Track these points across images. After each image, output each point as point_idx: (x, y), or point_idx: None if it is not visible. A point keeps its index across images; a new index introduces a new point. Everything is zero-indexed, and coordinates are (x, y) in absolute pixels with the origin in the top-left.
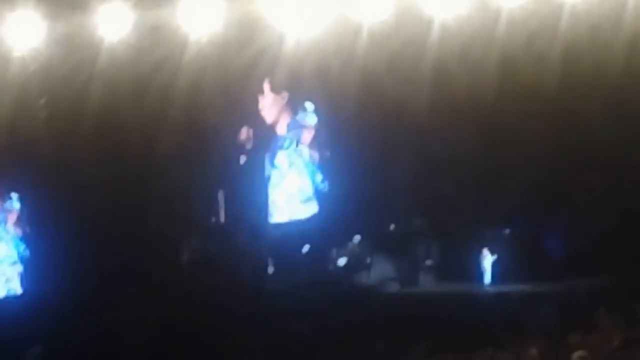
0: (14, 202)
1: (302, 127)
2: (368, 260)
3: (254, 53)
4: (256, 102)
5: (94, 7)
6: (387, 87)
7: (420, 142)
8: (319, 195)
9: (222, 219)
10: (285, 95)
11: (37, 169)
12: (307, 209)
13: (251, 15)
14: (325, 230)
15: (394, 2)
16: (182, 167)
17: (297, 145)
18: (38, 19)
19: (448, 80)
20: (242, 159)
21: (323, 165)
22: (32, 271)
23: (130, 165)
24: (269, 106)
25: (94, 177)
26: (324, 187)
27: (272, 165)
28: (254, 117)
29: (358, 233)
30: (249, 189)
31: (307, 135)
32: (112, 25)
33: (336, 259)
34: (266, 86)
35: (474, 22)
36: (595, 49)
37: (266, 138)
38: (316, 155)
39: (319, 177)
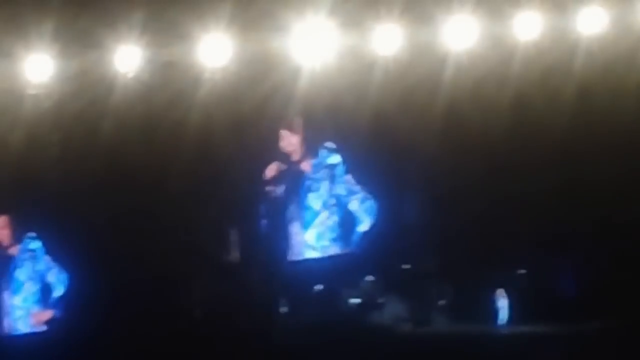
0: (34, 241)
1: (328, 166)
2: (381, 300)
3: (267, 89)
4: (272, 138)
5: (107, 45)
6: (400, 124)
7: (434, 181)
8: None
9: (236, 257)
10: (306, 133)
11: (49, 205)
12: (334, 248)
13: (264, 52)
14: (339, 270)
15: (408, 37)
16: (196, 204)
17: (332, 184)
18: (51, 57)
19: (461, 117)
20: (259, 195)
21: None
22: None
23: (143, 202)
24: (291, 145)
25: (105, 213)
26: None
27: (299, 200)
28: (270, 154)
29: (371, 272)
30: (265, 226)
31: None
32: (125, 62)
33: (349, 299)
34: (287, 125)
35: (488, 58)
36: (610, 87)
37: (288, 176)
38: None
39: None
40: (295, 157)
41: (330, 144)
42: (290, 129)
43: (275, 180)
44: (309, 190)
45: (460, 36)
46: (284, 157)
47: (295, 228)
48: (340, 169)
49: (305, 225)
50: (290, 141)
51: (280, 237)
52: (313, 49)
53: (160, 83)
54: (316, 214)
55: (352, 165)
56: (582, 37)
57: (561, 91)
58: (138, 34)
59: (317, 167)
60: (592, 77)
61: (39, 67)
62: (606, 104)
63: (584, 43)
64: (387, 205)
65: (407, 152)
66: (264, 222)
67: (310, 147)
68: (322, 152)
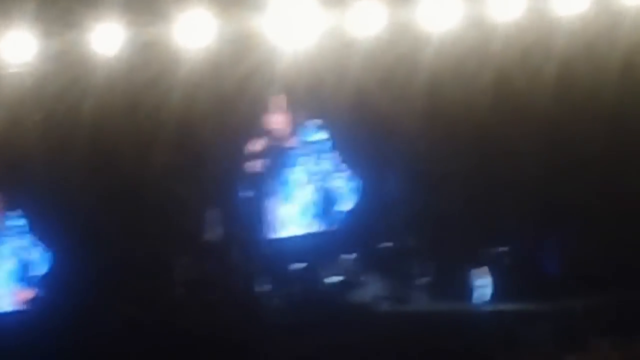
0: (17, 219)
1: (314, 142)
2: (362, 278)
3: (248, 68)
4: (254, 117)
5: (88, 24)
6: (381, 104)
7: (415, 159)
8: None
9: (219, 235)
10: (291, 111)
11: (32, 184)
12: (317, 224)
13: (245, 32)
14: (319, 248)
15: (388, 17)
16: (177, 182)
17: (317, 160)
18: (33, 36)
19: (442, 96)
20: (241, 174)
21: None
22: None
23: (124, 181)
24: (278, 123)
25: (88, 193)
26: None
27: (282, 178)
28: (251, 132)
29: (353, 251)
30: (247, 205)
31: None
32: (106, 42)
33: (331, 276)
34: (274, 103)
35: (468, 37)
36: (590, 65)
37: (274, 152)
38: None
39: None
40: (282, 134)
41: (317, 121)
42: (277, 107)
43: (260, 155)
44: (294, 164)
45: (441, 16)
46: (270, 135)
47: (278, 204)
48: (326, 146)
49: (287, 199)
50: (277, 119)
51: (262, 215)
52: (294, 28)
53: (141, 62)
54: (300, 188)
55: (338, 143)
56: (562, 16)
57: (542, 70)
58: (119, 13)
59: (303, 144)
60: (572, 55)
61: (20, 46)
62: (587, 82)
63: (564, 22)
64: (369, 183)
65: (389, 131)
66: (246, 200)
67: (297, 125)
68: (309, 129)
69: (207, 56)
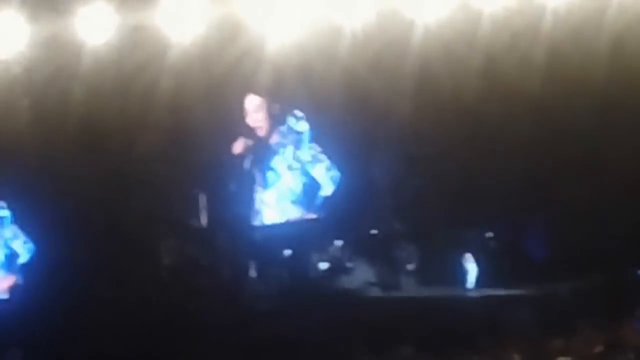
0: (2, 210)
1: (296, 133)
2: (349, 264)
3: (236, 55)
4: (240, 105)
5: (77, 10)
6: (370, 90)
7: (403, 146)
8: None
9: (204, 220)
10: (271, 100)
11: (20, 171)
12: (295, 211)
13: (233, 18)
14: (307, 234)
15: (377, 4)
16: (165, 168)
17: (297, 150)
18: (21, 22)
19: (431, 82)
20: (227, 161)
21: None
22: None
23: (113, 167)
24: (256, 112)
25: (77, 179)
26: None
27: (264, 168)
28: (237, 120)
29: (340, 237)
30: (232, 191)
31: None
32: (95, 28)
33: (318, 263)
34: (253, 92)
35: (456, 24)
36: (577, 50)
37: (253, 142)
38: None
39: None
40: (262, 132)
41: (298, 112)
42: (254, 105)
43: (243, 155)
44: (274, 153)
45: (430, 1)
46: (251, 132)
47: (260, 192)
48: (306, 136)
49: (267, 186)
50: (256, 117)
51: (247, 202)
52: (281, 15)
53: (130, 48)
54: (279, 176)
55: (319, 134)
56: (549, 1)
57: (531, 55)
58: None
59: (284, 134)
60: (560, 40)
61: (8, 33)
62: (575, 67)
63: (552, 7)
64: (355, 170)
65: (377, 116)
66: (231, 187)
67: (277, 119)
68: (290, 120)
69: (195, 41)
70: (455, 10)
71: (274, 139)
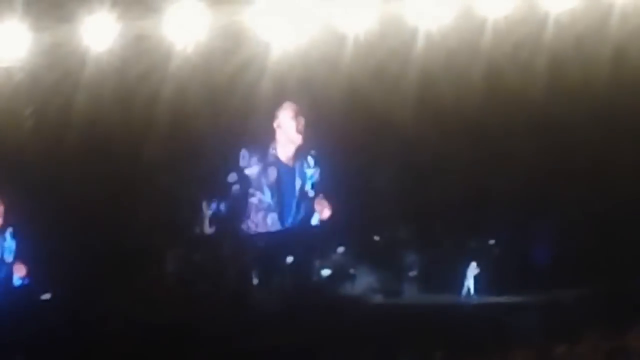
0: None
1: (305, 173)
2: (352, 271)
3: (239, 63)
4: (245, 111)
5: (80, 18)
6: (373, 97)
7: (406, 153)
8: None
9: (208, 228)
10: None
11: (24, 178)
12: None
13: (236, 26)
14: (310, 241)
15: (380, 12)
16: (168, 176)
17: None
18: (24, 30)
19: (434, 90)
20: (229, 168)
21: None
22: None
23: (116, 174)
24: (291, 121)
25: (81, 186)
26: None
27: (264, 176)
28: (241, 128)
29: (342, 244)
30: (235, 198)
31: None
32: (99, 36)
33: (320, 270)
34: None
35: (459, 32)
36: (580, 59)
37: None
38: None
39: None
40: (297, 142)
41: (314, 153)
42: (290, 114)
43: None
44: (281, 181)
45: (432, 9)
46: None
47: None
48: (314, 179)
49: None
50: (290, 126)
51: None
52: (285, 23)
53: (133, 56)
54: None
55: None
56: (552, 10)
57: (533, 63)
58: (110, 7)
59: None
60: (562, 48)
61: (11, 40)
62: (577, 75)
63: (555, 15)
64: (358, 177)
65: (381, 124)
66: (236, 195)
67: (301, 155)
68: (308, 160)
69: (198, 49)
70: (458, 19)
71: (291, 160)
